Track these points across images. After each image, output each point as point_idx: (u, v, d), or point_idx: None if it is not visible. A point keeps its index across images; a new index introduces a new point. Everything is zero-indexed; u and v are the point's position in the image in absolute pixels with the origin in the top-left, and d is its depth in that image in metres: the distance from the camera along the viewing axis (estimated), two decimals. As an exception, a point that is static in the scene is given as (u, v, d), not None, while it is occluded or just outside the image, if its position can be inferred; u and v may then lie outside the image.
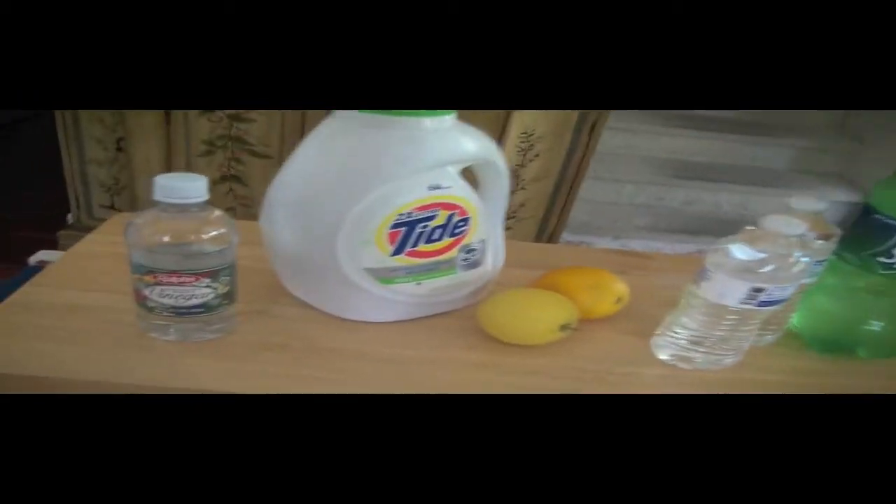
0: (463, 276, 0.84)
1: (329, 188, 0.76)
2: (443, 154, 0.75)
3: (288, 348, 0.78)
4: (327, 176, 0.76)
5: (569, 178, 2.35)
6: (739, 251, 0.74)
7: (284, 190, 0.80)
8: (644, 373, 0.81)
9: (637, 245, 2.76)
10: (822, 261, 0.83)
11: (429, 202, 0.75)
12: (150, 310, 0.75)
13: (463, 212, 0.78)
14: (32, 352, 0.73)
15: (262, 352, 0.76)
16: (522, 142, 2.21)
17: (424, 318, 0.87)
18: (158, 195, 0.70)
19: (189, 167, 2.22)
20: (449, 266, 0.82)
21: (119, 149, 2.34)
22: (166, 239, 0.72)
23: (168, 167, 2.25)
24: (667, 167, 2.76)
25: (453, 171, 0.76)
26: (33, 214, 3.24)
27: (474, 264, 0.84)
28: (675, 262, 1.11)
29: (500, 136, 2.15)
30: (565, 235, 2.67)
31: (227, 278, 0.75)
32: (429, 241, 0.78)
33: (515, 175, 2.27)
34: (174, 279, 0.72)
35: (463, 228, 0.79)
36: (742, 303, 0.74)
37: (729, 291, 0.75)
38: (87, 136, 2.32)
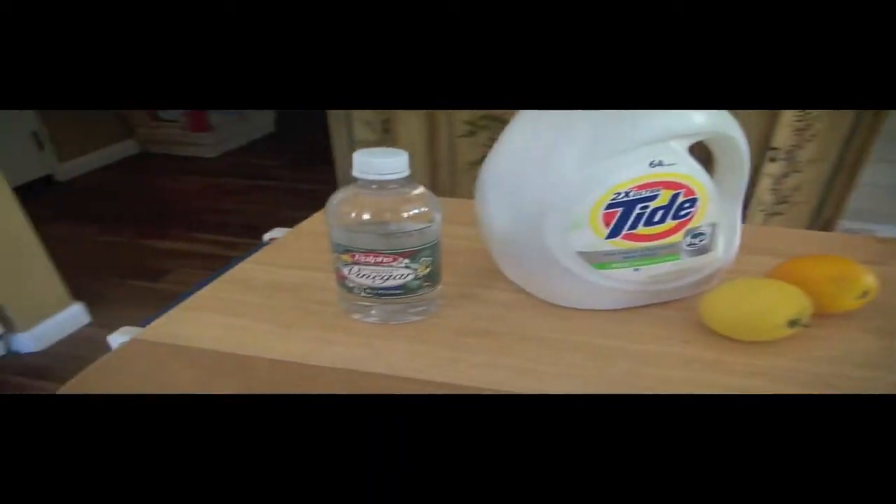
0: (688, 262, 0.75)
1: (537, 166, 0.69)
2: (665, 127, 0.66)
3: (491, 334, 0.74)
4: (536, 152, 0.70)
5: (849, 161, 2.13)
6: None
7: (495, 167, 0.74)
8: (884, 378, 0.68)
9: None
10: None
11: (649, 180, 0.67)
12: (350, 290, 0.73)
13: (689, 192, 0.69)
14: (236, 328, 0.74)
15: (464, 337, 0.73)
16: (798, 120, 2.03)
17: (642, 308, 0.79)
18: (356, 170, 0.67)
19: (451, 148, 2.24)
20: (672, 251, 0.73)
21: (385, 130, 2.37)
22: (365, 216, 0.69)
23: (431, 147, 2.29)
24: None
25: (678, 146, 0.67)
26: (307, 195, 3.45)
27: (702, 250, 0.75)
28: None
29: (772, 115, 1.99)
30: (843, 223, 2.43)
31: (429, 259, 0.71)
32: (649, 223, 0.70)
33: (790, 156, 2.10)
34: (371, 259, 0.69)
35: (689, 210, 0.70)
36: None
37: None
38: (356, 117, 2.38)
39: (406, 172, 0.67)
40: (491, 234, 0.77)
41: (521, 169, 0.71)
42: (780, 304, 0.70)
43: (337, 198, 0.69)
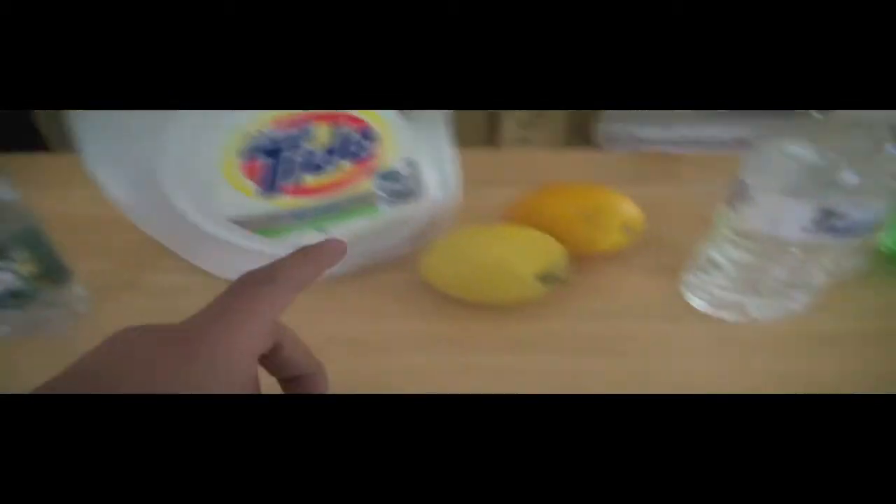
0: (392, 214, 0.57)
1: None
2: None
3: None
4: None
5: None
6: (798, 153, 0.46)
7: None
8: (675, 332, 0.55)
9: (689, 132, 2.48)
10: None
11: (291, 113, 0.48)
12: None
13: (357, 122, 0.50)
14: None
15: None
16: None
17: (354, 276, 0.61)
18: None
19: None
20: (365, 203, 0.55)
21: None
22: None
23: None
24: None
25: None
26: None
27: (406, 195, 0.57)
28: (720, 162, 0.80)
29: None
30: (605, 127, 2.37)
31: (29, 251, 0.51)
32: (314, 170, 0.51)
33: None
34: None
35: (368, 147, 0.52)
36: (806, 232, 0.46)
37: (784, 218, 0.48)
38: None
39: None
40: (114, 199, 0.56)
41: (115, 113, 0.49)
42: (522, 256, 0.54)
43: None
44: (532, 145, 2.26)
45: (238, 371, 0.29)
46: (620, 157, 0.87)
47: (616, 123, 2.41)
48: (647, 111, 2.47)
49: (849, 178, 0.44)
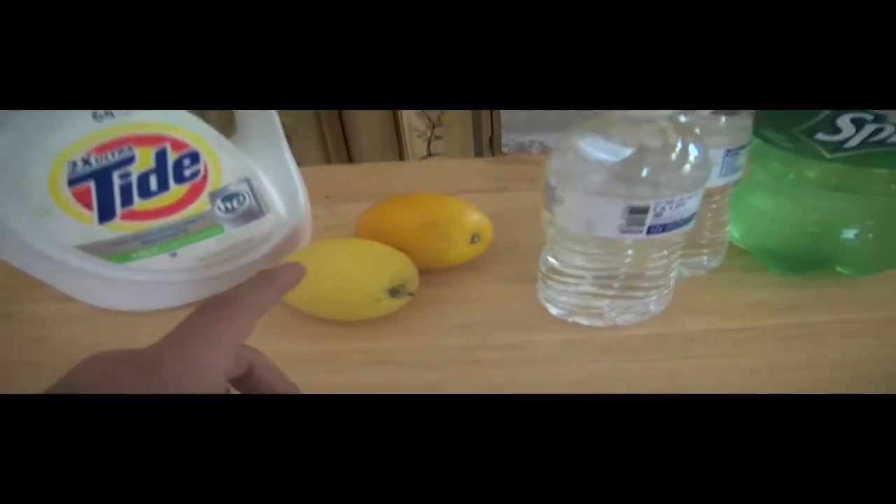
0: (239, 233, 0.59)
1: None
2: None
3: (41, 366, 0.56)
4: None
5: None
6: (592, 149, 0.47)
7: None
8: (532, 340, 0.55)
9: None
10: (741, 148, 0.54)
11: (108, 138, 0.49)
12: None
13: (179, 144, 0.52)
14: None
15: (7, 377, 0.55)
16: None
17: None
18: None
19: None
20: (208, 224, 0.57)
21: None
22: None
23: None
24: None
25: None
26: None
27: (249, 215, 0.58)
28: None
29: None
30: (511, 136, 2.41)
31: None
32: (146, 194, 0.53)
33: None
34: None
35: (195, 168, 0.53)
36: (624, 231, 0.47)
37: (596, 217, 0.48)
38: None
39: None
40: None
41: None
42: (369, 271, 0.55)
43: None
44: (441, 157, 2.22)
45: (204, 390, 0.30)
46: (484, 164, 0.88)
47: (523, 134, 2.39)
48: (550, 121, 2.47)
49: (647, 173, 0.45)
